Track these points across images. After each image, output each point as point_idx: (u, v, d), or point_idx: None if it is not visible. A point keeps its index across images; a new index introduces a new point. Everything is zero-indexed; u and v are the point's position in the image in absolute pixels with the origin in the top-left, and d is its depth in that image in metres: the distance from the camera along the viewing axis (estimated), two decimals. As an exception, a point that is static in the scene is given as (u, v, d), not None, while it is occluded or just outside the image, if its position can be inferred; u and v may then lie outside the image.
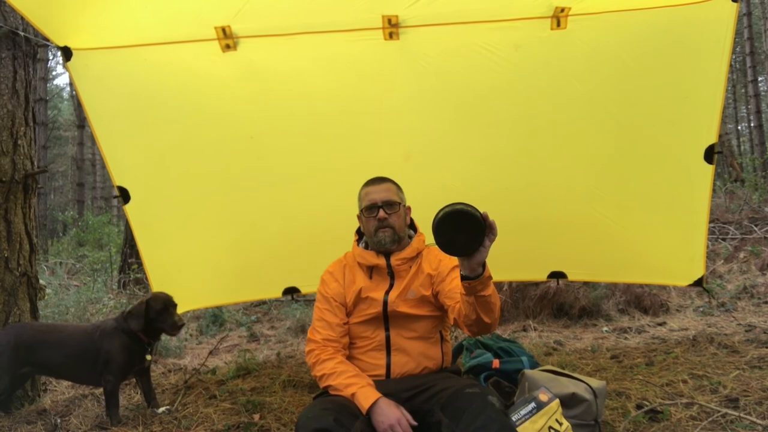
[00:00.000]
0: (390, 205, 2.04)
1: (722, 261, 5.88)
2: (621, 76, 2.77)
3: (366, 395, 1.75)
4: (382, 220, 2.01)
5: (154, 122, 2.91)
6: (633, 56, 2.72)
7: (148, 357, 2.65)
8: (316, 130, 2.95)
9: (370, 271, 2.07)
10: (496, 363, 2.52)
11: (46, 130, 16.39)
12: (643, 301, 4.60)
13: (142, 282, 6.22)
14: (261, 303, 5.71)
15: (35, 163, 3.02)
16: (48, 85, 18.70)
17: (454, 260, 1.91)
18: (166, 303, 2.63)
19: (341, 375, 1.86)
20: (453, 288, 1.88)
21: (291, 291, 3.51)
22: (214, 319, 5.14)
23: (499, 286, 4.47)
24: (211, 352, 4.00)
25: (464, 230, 1.51)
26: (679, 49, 2.69)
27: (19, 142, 2.87)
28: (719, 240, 6.63)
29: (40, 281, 3.08)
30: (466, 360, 2.67)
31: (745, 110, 24.02)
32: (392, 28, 2.61)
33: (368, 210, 2.04)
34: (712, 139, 2.79)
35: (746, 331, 3.68)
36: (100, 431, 2.49)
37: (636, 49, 2.70)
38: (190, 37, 2.63)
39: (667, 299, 4.68)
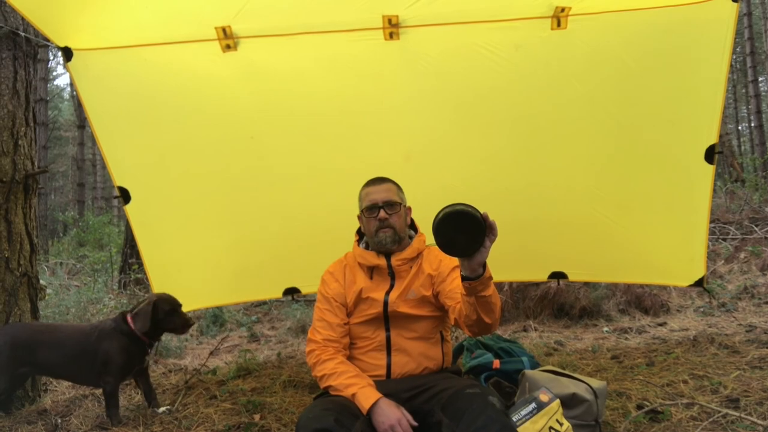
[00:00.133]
0: (391, 205, 2.03)
1: (723, 261, 5.88)
2: (621, 76, 2.77)
3: (366, 395, 1.75)
4: (383, 221, 2.01)
5: (155, 122, 2.91)
6: (633, 56, 2.72)
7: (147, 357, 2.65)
8: (316, 130, 2.95)
9: (371, 271, 2.07)
10: (496, 363, 2.52)
11: (46, 131, 16.40)
12: (644, 301, 4.60)
13: (143, 282, 6.22)
14: (261, 303, 5.71)
15: (36, 164, 3.02)
16: (48, 85, 18.71)
17: (455, 260, 1.91)
18: (174, 304, 2.64)
19: (342, 375, 1.86)
20: (453, 288, 1.88)
21: (291, 291, 3.51)
22: (215, 319, 5.14)
23: (499, 286, 4.47)
24: (212, 353, 4.00)
25: (464, 231, 1.51)
26: (680, 49, 2.69)
27: (20, 142, 2.87)
28: (720, 240, 6.63)
29: (41, 281, 3.09)
30: (467, 360, 2.67)
31: (745, 110, 24.02)
32: (392, 28, 2.61)
33: (369, 210, 2.04)
34: (713, 139, 2.79)
35: (747, 331, 3.67)
36: (100, 431, 2.49)
37: (636, 49, 2.70)
38: (190, 38, 2.63)
39: (668, 299, 4.68)
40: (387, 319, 2.00)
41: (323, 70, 2.80)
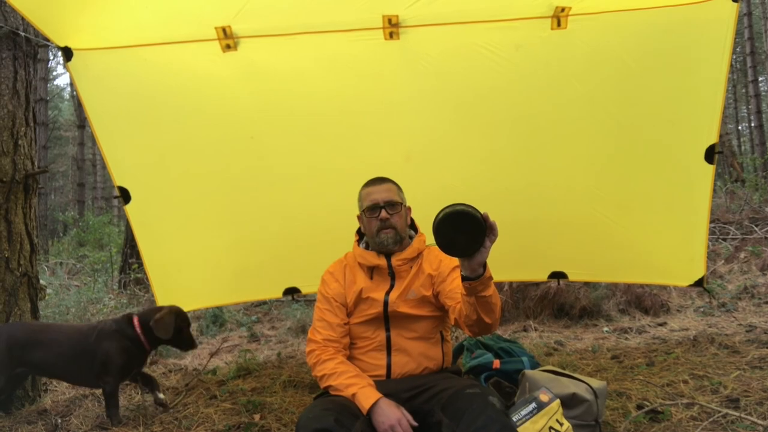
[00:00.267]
0: (392, 205, 2.03)
1: (723, 261, 5.88)
2: (621, 76, 2.77)
3: (366, 395, 1.75)
4: (384, 221, 2.01)
5: (155, 122, 2.91)
6: (633, 56, 2.72)
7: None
8: (316, 130, 2.95)
9: (371, 271, 2.07)
10: (496, 363, 2.52)
11: (46, 131, 16.40)
12: (644, 301, 4.59)
13: (143, 282, 6.22)
14: (261, 303, 5.71)
15: (36, 164, 3.02)
16: (48, 85, 18.72)
17: (455, 260, 1.91)
18: (187, 320, 2.68)
19: (342, 375, 1.86)
20: (454, 288, 1.88)
21: (291, 291, 3.51)
22: (215, 319, 5.13)
23: (499, 286, 4.47)
24: (213, 354, 4.00)
25: (464, 231, 1.50)
26: (680, 49, 2.69)
27: (20, 142, 2.87)
28: (720, 240, 6.63)
29: (41, 281, 3.09)
30: (467, 360, 2.67)
31: (745, 110, 24.02)
32: (392, 27, 2.61)
33: (370, 210, 2.04)
34: (713, 139, 2.79)
35: (747, 331, 3.67)
36: (100, 431, 2.49)
37: (636, 49, 2.70)
38: (190, 37, 2.63)
39: (668, 299, 4.67)
40: (387, 319, 2.00)
41: (323, 70, 2.80)
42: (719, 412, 2.16)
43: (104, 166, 4.47)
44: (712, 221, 6.79)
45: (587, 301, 4.54)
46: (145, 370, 2.78)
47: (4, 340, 2.52)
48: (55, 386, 3.20)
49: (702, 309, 4.49)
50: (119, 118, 2.89)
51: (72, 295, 6.02)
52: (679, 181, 2.95)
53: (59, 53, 2.68)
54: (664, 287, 4.72)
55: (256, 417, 2.53)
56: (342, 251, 2.23)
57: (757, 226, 6.93)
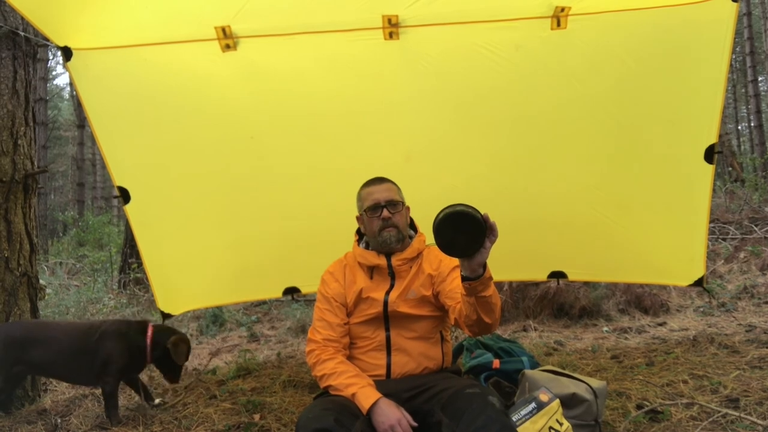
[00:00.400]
0: (393, 204, 2.04)
1: (722, 261, 5.88)
2: (621, 75, 2.77)
3: (366, 395, 1.75)
4: (386, 220, 2.01)
5: (154, 122, 2.90)
6: (633, 56, 2.71)
7: None
8: (316, 130, 2.95)
9: (371, 271, 2.07)
10: (496, 363, 2.52)
11: (46, 130, 16.39)
12: (644, 301, 4.59)
13: (143, 282, 6.23)
14: (261, 303, 5.71)
15: (35, 163, 3.02)
16: (48, 84, 18.70)
17: (455, 260, 1.91)
18: (188, 355, 2.70)
19: (342, 375, 1.86)
20: (453, 288, 1.88)
21: (291, 291, 3.51)
22: (215, 319, 5.14)
23: (499, 286, 4.47)
24: (214, 355, 4.00)
25: (464, 231, 1.50)
26: (680, 49, 2.69)
27: (19, 142, 2.87)
28: (719, 240, 6.63)
29: (41, 281, 3.09)
30: (467, 360, 2.67)
31: (745, 110, 24.01)
32: (392, 27, 2.61)
33: (372, 210, 2.04)
34: (712, 138, 2.79)
35: (747, 331, 3.68)
36: (100, 431, 2.49)
37: (636, 49, 2.70)
38: (190, 37, 2.63)
39: (668, 299, 4.68)
40: (387, 318, 2.00)
41: (323, 70, 2.79)
42: (719, 411, 2.16)
43: (104, 166, 4.47)
44: (711, 221, 6.79)
45: (587, 301, 4.54)
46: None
47: (2, 339, 2.52)
48: (55, 386, 3.20)
49: (702, 309, 4.49)
50: (119, 117, 2.89)
51: (72, 295, 6.02)
52: (679, 181, 2.95)
53: (59, 53, 2.68)
54: (663, 287, 4.72)
55: (256, 417, 2.53)
56: (342, 251, 2.22)
57: (756, 225, 6.93)
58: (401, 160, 2.95)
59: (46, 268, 7.78)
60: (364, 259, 2.08)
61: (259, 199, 3.14)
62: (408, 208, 2.15)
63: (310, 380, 3.04)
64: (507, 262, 2.69)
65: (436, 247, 1.56)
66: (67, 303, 5.69)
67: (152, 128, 2.92)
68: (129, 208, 3.08)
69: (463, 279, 1.61)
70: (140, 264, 5.55)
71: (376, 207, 2.03)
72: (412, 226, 2.18)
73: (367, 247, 2.13)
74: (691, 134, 2.82)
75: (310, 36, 2.64)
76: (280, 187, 3.10)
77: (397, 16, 2.57)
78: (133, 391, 3.03)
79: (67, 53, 2.64)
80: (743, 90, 22.05)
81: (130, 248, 6.73)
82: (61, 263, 8.63)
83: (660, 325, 4.18)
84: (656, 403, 2.33)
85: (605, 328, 4.20)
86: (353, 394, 1.78)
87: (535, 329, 4.28)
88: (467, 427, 1.56)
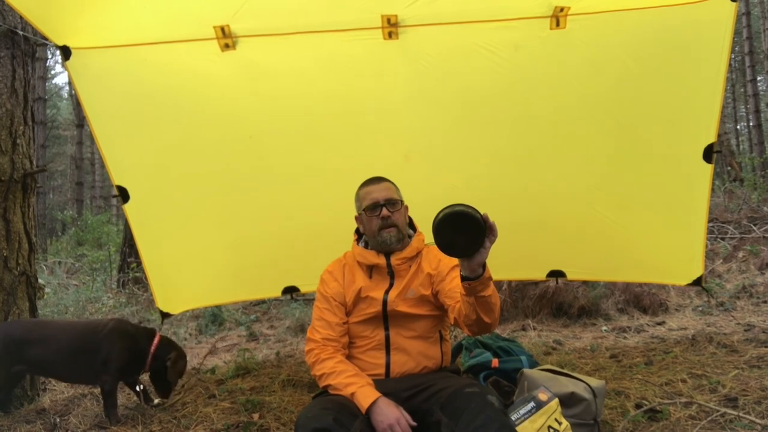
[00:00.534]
0: (392, 203, 2.04)
1: (721, 260, 5.89)
2: (620, 75, 2.77)
3: (365, 395, 1.76)
4: (385, 219, 2.01)
5: (153, 121, 2.90)
6: (632, 56, 2.71)
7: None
8: (315, 129, 2.95)
9: (370, 270, 2.07)
10: (495, 362, 2.52)
11: (44, 129, 16.36)
12: (642, 300, 4.60)
13: (142, 281, 6.23)
14: (260, 302, 5.71)
15: (34, 162, 3.02)
16: (47, 84, 18.66)
17: (454, 260, 1.91)
18: (182, 374, 2.74)
19: (341, 374, 1.86)
20: (453, 288, 1.88)
21: (290, 290, 3.51)
22: (213, 318, 5.14)
23: (498, 285, 4.45)
24: (210, 353, 4.00)
25: (464, 232, 1.50)
26: (679, 49, 2.69)
27: (18, 141, 2.87)
28: (718, 239, 6.64)
29: (39, 280, 3.08)
30: (466, 359, 2.67)
31: (744, 109, 24.02)
32: (391, 27, 2.61)
33: (371, 209, 2.03)
34: (711, 138, 2.79)
35: (745, 330, 3.68)
36: (99, 430, 2.49)
37: (635, 49, 2.70)
38: (189, 37, 2.63)
39: (666, 299, 4.68)
40: (386, 318, 2.00)
41: (322, 69, 2.79)
42: (717, 411, 2.17)
43: (103, 165, 4.47)
44: (710, 220, 6.80)
45: (586, 300, 4.54)
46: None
47: (1, 339, 2.52)
48: (54, 385, 3.20)
49: (700, 308, 4.50)
50: (118, 117, 2.88)
51: (70, 294, 6.02)
52: (678, 181, 2.95)
53: (57, 52, 2.68)
54: (662, 286, 4.73)
55: (255, 416, 2.53)
56: (341, 250, 2.23)
57: (755, 225, 6.94)
58: (400, 160, 2.95)
59: (44, 268, 7.78)
60: (363, 258, 2.08)
61: (258, 199, 3.14)
62: (407, 207, 2.14)
63: (309, 379, 3.04)
64: (506, 261, 2.69)
65: (435, 246, 1.56)
66: (66, 302, 5.69)
67: (151, 127, 2.92)
68: (128, 208, 3.08)
69: (463, 279, 1.61)
70: (139, 263, 5.55)
71: (375, 206, 2.03)
72: (411, 225, 2.18)
73: (366, 246, 2.13)
74: (690, 134, 2.83)
75: (309, 36, 2.63)
76: (279, 186, 3.10)
77: (396, 15, 2.57)
78: (132, 391, 3.04)
79: (65, 52, 2.63)
80: (742, 89, 22.05)
81: (129, 247, 6.73)
82: (59, 262, 8.62)
83: (659, 324, 4.18)
84: (655, 402, 2.34)
85: (604, 328, 4.20)
86: (352, 394, 1.78)
87: (534, 328, 4.28)
88: (466, 427, 1.56)
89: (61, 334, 2.61)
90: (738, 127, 26.23)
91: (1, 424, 2.56)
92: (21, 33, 2.89)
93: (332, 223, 2.70)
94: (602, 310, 4.55)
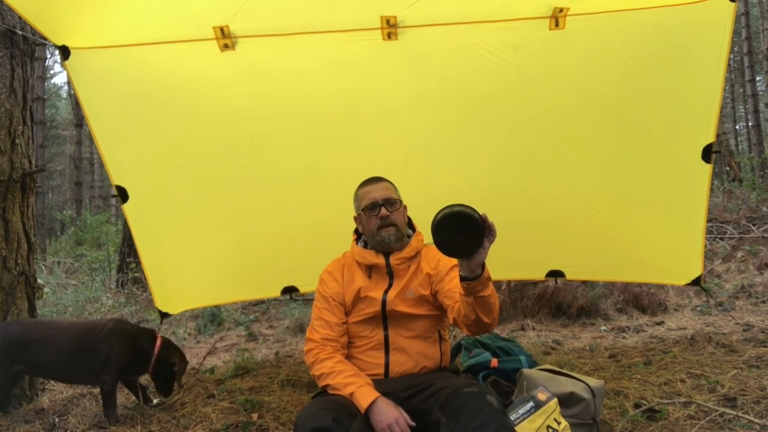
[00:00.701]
0: (391, 203, 2.04)
1: (720, 260, 5.89)
2: (619, 75, 2.77)
3: (364, 394, 1.76)
4: (384, 218, 2.01)
5: (153, 121, 2.90)
6: (631, 56, 2.72)
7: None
8: (314, 129, 2.95)
9: (369, 270, 2.07)
10: (494, 362, 2.52)
11: (43, 129, 16.34)
12: (642, 300, 4.60)
13: (141, 281, 6.23)
14: (259, 302, 5.71)
15: (33, 162, 3.01)
16: (46, 83, 18.64)
17: (453, 260, 1.91)
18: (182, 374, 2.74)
19: (340, 374, 1.86)
20: (452, 288, 1.88)
21: (290, 290, 3.51)
22: (213, 318, 5.13)
23: (497, 285, 4.47)
24: (210, 353, 4.00)
25: (463, 232, 1.50)
26: (678, 49, 2.69)
27: (17, 141, 2.87)
28: (717, 239, 6.65)
29: (38, 280, 3.08)
30: (465, 359, 2.67)
31: (743, 110, 24.05)
32: (390, 28, 2.61)
33: (370, 209, 2.04)
34: (710, 138, 2.80)
35: (744, 330, 3.68)
36: (98, 430, 2.49)
37: (634, 49, 2.70)
38: (188, 37, 2.63)
39: (665, 298, 4.69)
40: (385, 318, 2.01)
41: (321, 70, 2.79)
42: (716, 410, 2.17)
43: (102, 165, 4.46)
44: (709, 220, 6.80)
45: (585, 300, 4.55)
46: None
47: (0, 339, 2.52)
48: (53, 386, 3.20)
49: (699, 308, 4.50)
50: (117, 116, 2.88)
51: (69, 294, 6.02)
52: (677, 180, 2.96)
53: (56, 52, 2.67)
54: (661, 286, 4.73)
55: (254, 416, 2.53)
56: (340, 250, 2.23)
57: (754, 225, 6.94)
58: (400, 160, 2.96)
59: (44, 267, 7.77)
60: (362, 258, 2.08)
61: (258, 199, 3.14)
62: (405, 207, 2.15)
63: (308, 379, 3.04)
64: (505, 261, 2.69)
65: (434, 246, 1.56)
66: (65, 302, 5.69)
67: (150, 127, 2.92)
68: (127, 207, 3.08)
69: (462, 279, 1.61)
70: (138, 263, 5.54)
71: (374, 206, 2.03)
72: (410, 225, 2.18)
73: (365, 246, 2.13)
74: (689, 133, 2.83)
75: (309, 36, 2.64)
76: (278, 186, 3.10)
77: (395, 16, 2.57)
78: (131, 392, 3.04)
79: (64, 52, 2.63)
80: (741, 89, 22.08)
81: (128, 247, 6.73)
82: (59, 262, 8.62)
83: (658, 324, 4.19)
84: (654, 402, 2.34)
85: (603, 328, 4.21)
86: (351, 393, 1.78)
87: (533, 328, 4.28)
88: (465, 426, 1.56)
89: (61, 334, 2.61)
90: (737, 127, 26.25)
91: (0, 424, 2.55)
92: (20, 33, 2.88)
93: (332, 223, 2.70)
94: (601, 310, 4.55)
